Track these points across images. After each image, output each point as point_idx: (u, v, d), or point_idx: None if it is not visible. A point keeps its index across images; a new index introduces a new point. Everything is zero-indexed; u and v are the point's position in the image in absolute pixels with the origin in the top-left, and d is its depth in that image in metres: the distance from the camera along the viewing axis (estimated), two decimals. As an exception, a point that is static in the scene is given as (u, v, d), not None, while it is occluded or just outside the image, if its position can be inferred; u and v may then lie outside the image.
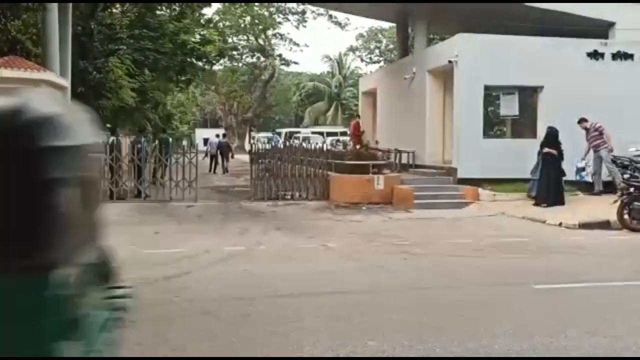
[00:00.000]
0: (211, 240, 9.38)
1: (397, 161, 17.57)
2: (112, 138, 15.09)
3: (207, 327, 5.06)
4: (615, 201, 11.07)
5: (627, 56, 15.76)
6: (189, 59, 25.23)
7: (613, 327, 5.01)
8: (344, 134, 37.43)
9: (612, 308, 5.60)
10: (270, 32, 44.51)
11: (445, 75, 16.79)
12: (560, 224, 11.21)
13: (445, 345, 4.59)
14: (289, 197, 15.13)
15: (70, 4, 16.93)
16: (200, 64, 27.44)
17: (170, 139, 18.06)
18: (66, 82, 16.84)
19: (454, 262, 7.96)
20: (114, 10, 23.72)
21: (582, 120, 14.25)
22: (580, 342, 4.64)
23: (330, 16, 38.21)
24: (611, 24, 17.65)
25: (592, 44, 15.85)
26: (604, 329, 4.94)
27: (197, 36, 26.18)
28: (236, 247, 8.86)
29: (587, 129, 14.23)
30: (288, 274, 7.12)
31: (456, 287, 6.50)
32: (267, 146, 18.25)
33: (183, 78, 27.77)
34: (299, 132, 36.28)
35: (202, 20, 29.77)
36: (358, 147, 18.38)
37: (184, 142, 22.67)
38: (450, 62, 15.56)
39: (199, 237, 9.72)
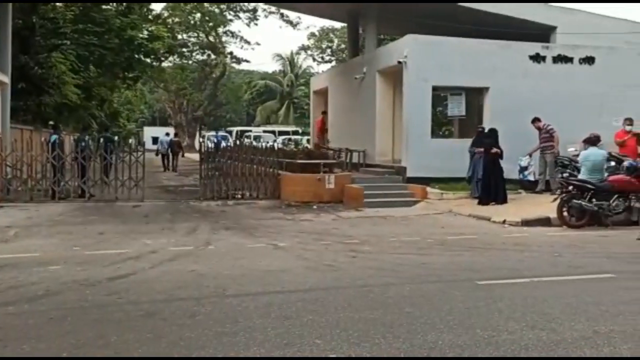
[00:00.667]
0: (158, 241, 9.20)
1: (348, 160, 17.71)
2: (54, 136, 14.61)
3: (152, 328, 4.96)
4: (555, 199, 11.50)
5: (567, 59, 16.37)
6: (136, 56, 24.67)
7: (551, 320, 5.18)
8: (295, 132, 37.48)
9: (550, 302, 5.79)
10: (221, 30, 44.02)
11: (394, 76, 17.02)
12: (504, 222, 11.54)
13: (392, 342, 4.65)
14: (239, 196, 15.02)
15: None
16: (148, 60, 26.87)
17: (116, 137, 17.63)
18: (6, 78, 16.21)
19: (402, 259, 8.08)
20: (58, 4, 22.93)
21: (535, 120, 14.69)
22: (520, 335, 4.78)
23: (282, 15, 38.11)
24: (552, 28, 18.30)
25: (535, 47, 16.38)
26: (543, 322, 5.10)
27: (145, 32, 25.63)
28: (184, 247, 8.72)
29: (539, 129, 14.70)
30: (236, 274, 7.06)
31: (403, 284, 6.59)
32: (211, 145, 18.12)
33: (130, 75, 27.15)
34: (250, 131, 36.10)
35: (150, 16, 29.16)
36: (322, 143, 18.39)
37: (131, 141, 22.19)
38: (399, 62, 15.79)
39: (146, 237, 9.52)
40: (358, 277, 6.93)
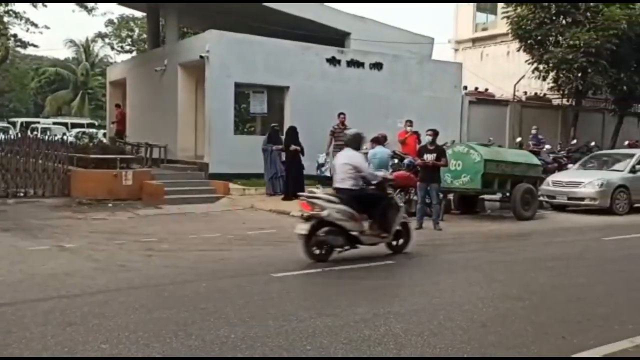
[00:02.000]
0: None
1: (147, 156, 17.01)
2: None
3: None
4: (348, 194, 12.31)
5: (359, 64, 17.63)
6: None
7: (337, 306, 5.54)
8: (91, 125, 34.90)
9: (337, 289, 6.20)
10: (1, 9, 39.15)
11: (197, 70, 16.75)
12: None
13: (184, 339, 4.57)
14: (22, 194, 13.56)
15: None
16: None
17: None
18: None
19: (200, 256, 7.99)
20: None
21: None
22: (308, 323, 5.03)
23: (76, -3, 35.08)
24: (347, 34, 19.56)
25: (331, 51, 17.35)
26: (329, 309, 5.43)
27: None
28: (-52, 253, 7.61)
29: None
30: (12, 280, 6.36)
31: (199, 281, 6.52)
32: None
33: None
34: (37, 123, 32.72)
35: None
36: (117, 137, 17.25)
37: None
38: (201, 57, 15.57)
39: None
40: (152, 277, 6.69)
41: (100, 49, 50.59)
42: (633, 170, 14.43)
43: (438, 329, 4.93)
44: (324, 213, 7.39)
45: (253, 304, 5.60)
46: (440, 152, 11.28)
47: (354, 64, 17.54)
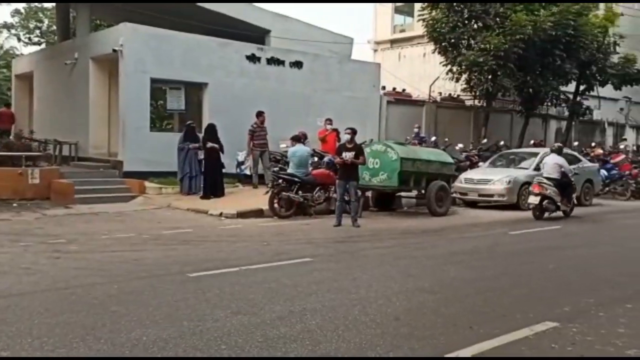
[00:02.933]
0: None
1: (57, 153, 16.21)
2: None
3: None
4: (267, 192, 12.30)
5: (279, 62, 17.59)
6: None
7: (254, 305, 5.51)
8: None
9: (254, 288, 6.16)
10: None
11: (110, 64, 16.14)
12: (220, 214, 11.89)
13: (92, 344, 4.39)
14: None
15: None
16: None
17: None
18: None
19: (112, 257, 7.70)
20: None
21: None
22: (224, 322, 4.96)
23: (-23, -15, 32.80)
24: (267, 32, 19.48)
25: (251, 48, 17.21)
26: (246, 308, 5.39)
27: None
28: None
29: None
30: None
31: (111, 283, 6.28)
32: None
33: None
34: None
35: None
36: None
37: None
38: (115, 51, 15.01)
39: None
40: (60, 279, 6.38)
41: (6, 41, 47.58)
42: (537, 168, 15.29)
43: (353, 324, 5.01)
44: (547, 192, 12.72)
45: (167, 305, 5.46)
46: (359, 150, 11.47)
47: (274, 61, 17.49)
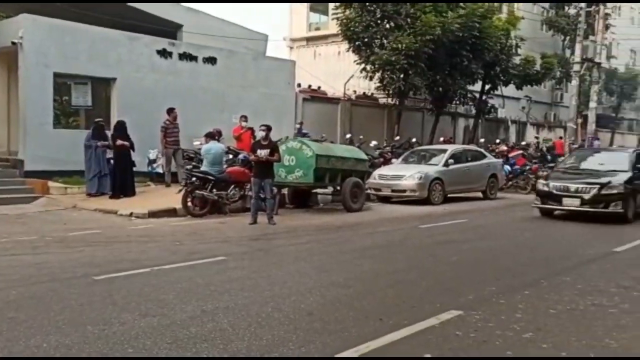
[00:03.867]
0: None
1: (-51, 152, 15.03)
2: None
3: None
4: (180, 190, 12.01)
5: (192, 58, 17.19)
6: None
7: (164, 305, 5.36)
8: None
9: (165, 288, 6.00)
10: None
11: (9, 58, 15.17)
12: (131, 214, 11.48)
13: (-15, 354, 4.11)
14: None
15: None
16: None
17: None
18: None
19: (11, 261, 7.26)
20: None
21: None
22: (132, 325, 4.80)
23: None
24: (179, 26, 18.97)
25: (162, 43, 16.70)
26: (156, 309, 5.24)
27: None
28: None
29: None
30: None
31: (9, 288, 5.91)
32: None
33: None
34: None
35: None
36: None
37: None
38: (13, 43, 14.11)
39: None
40: (-51, 287, 5.92)
41: None
42: (446, 164, 15.93)
43: (266, 321, 4.99)
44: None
45: (70, 310, 5.21)
46: (274, 147, 11.45)
47: (186, 57, 17.08)
